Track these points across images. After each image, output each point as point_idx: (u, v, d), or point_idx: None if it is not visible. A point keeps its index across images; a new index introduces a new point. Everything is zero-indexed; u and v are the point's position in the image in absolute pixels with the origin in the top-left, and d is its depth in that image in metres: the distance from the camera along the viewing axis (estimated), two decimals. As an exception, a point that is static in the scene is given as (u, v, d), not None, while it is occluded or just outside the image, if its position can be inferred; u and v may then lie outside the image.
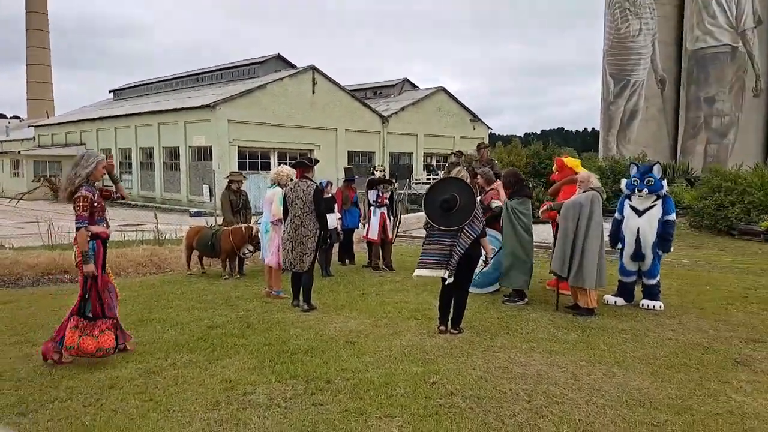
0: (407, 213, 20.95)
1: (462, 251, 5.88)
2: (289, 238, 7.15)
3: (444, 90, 42.65)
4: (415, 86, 45.40)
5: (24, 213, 23.86)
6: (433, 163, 41.97)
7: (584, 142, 78.87)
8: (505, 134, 74.08)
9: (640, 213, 7.44)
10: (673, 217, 7.42)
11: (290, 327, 6.29)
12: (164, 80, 43.76)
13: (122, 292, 8.27)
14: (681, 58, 32.74)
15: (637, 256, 7.44)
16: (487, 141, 43.62)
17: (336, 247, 10.71)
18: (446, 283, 6.01)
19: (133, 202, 34.34)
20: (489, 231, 7.35)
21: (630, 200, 7.59)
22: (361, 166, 34.41)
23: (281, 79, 32.41)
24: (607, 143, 35.40)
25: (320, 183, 10.17)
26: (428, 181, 36.38)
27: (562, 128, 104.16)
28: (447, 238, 5.96)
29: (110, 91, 48.97)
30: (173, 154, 33.00)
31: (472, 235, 5.91)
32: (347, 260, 10.97)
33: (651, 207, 7.40)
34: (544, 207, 7.75)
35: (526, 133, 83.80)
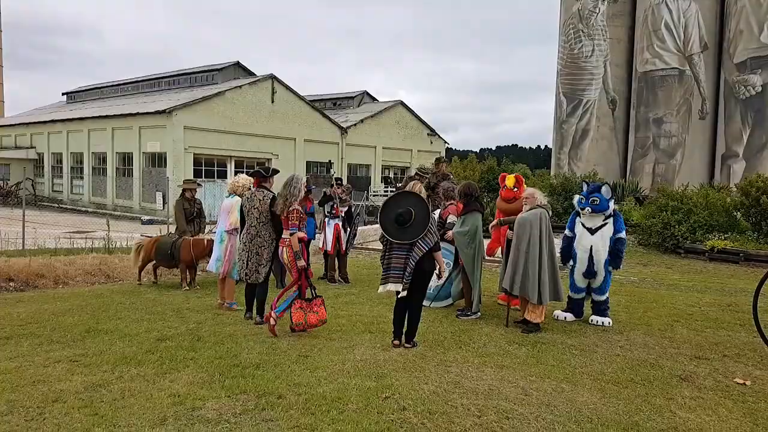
0: (364, 225, 21.01)
1: (413, 264, 5.95)
2: (244, 248, 7.09)
3: (402, 104, 43.10)
4: (374, 99, 45.73)
5: (-35, 217, 22.79)
6: (391, 175, 42.19)
7: (537, 158, 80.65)
8: (461, 149, 75.24)
9: (592, 231, 7.57)
10: (623, 234, 7.58)
11: (242, 340, 6.22)
12: (120, 84, 42.78)
13: (70, 300, 8.11)
14: (632, 80, 33.80)
15: (589, 273, 7.56)
16: (444, 155, 44.25)
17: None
18: (399, 296, 6.06)
19: (83, 208, 33.33)
20: (443, 245, 7.52)
21: (580, 217, 7.73)
22: (319, 177, 34.32)
23: (240, 86, 32.13)
24: (559, 161, 36.17)
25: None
26: (386, 193, 36.56)
27: (516, 145, 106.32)
28: (403, 251, 6.02)
29: (63, 94, 47.54)
30: (127, 159, 32.22)
31: (424, 248, 5.98)
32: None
33: (603, 225, 7.54)
34: (494, 222, 7.91)
35: (481, 148, 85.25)
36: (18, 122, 41.48)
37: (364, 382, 4.99)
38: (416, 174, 11.56)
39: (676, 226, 16.40)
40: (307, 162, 35.66)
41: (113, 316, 7.13)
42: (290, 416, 4.23)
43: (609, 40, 34.50)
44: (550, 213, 7.48)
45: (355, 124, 39.11)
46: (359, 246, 15.72)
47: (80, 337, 6.08)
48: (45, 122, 37.90)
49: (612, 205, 7.62)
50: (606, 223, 7.55)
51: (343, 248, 10.38)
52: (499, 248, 8.50)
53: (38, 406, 4.20)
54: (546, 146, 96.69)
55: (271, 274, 9.20)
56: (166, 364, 5.29)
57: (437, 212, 9.21)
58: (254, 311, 7.13)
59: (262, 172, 7.23)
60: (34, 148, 38.74)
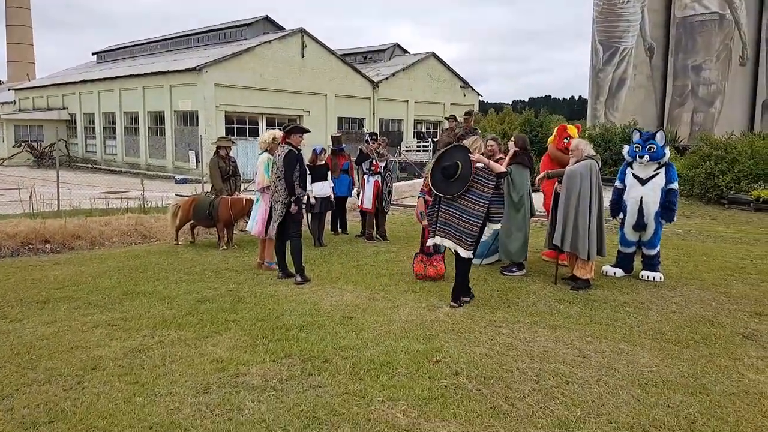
0: (398, 181, 20.64)
1: (475, 223, 5.78)
2: (270, 207, 7.13)
3: (435, 55, 41.84)
4: (405, 51, 44.51)
5: (4, 179, 23.18)
6: (423, 129, 41.39)
7: (571, 109, 78.19)
8: (492, 102, 73.03)
9: (643, 181, 7.23)
10: (675, 185, 7.24)
11: (284, 301, 6.02)
12: (149, 42, 42.52)
13: (107, 262, 8.03)
14: (669, 26, 32.26)
15: (639, 225, 7.25)
16: (477, 108, 43.13)
17: (328, 216, 10.40)
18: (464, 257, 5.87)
19: (117, 169, 33.71)
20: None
21: (632, 168, 7.36)
22: (351, 133, 33.84)
23: (270, 42, 31.52)
24: (596, 111, 35.17)
25: (314, 149, 9.82)
26: (419, 149, 35.94)
27: (549, 96, 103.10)
28: (453, 208, 5.84)
29: (93, 54, 47.56)
30: (158, 118, 32.23)
31: (483, 203, 5.80)
32: (339, 230, 10.68)
33: (654, 175, 7.20)
34: (540, 175, 7.44)
35: (513, 100, 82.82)
36: (49, 83, 41.75)
37: (412, 345, 4.74)
38: (446, 120, 11.02)
39: (720, 176, 15.76)
40: (338, 118, 35.15)
41: (151, 278, 7.00)
42: (338, 382, 4.00)
43: (646, -16, 32.94)
44: (599, 164, 7.02)
45: (386, 78, 38.22)
46: (394, 203, 15.42)
47: (118, 300, 5.96)
48: (76, 83, 38.02)
49: (668, 152, 7.20)
50: (658, 173, 7.19)
51: (384, 206, 10.03)
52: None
53: (77, 375, 4.06)
54: (580, 96, 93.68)
55: (308, 232, 9.04)
56: (207, 327, 5.12)
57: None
58: (294, 271, 6.93)
59: (287, 127, 7.01)
60: (66, 108, 39.04)
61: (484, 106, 46.20)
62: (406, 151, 35.80)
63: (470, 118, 10.38)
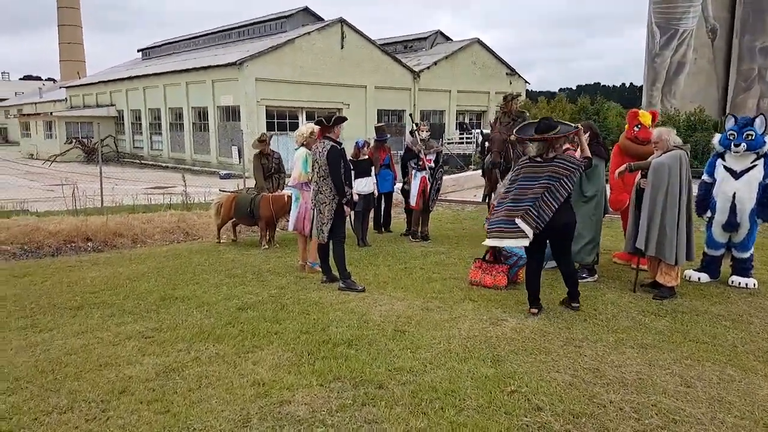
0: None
1: (548, 212, 5.18)
2: (312, 205, 6.57)
3: (479, 42, 40.63)
4: (448, 38, 43.40)
5: (56, 175, 23.52)
6: (466, 120, 40.31)
7: (621, 97, 75.33)
8: (538, 90, 70.76)
9: (737, 175, 6.36)
10: None
11: (329, 309, 5.49)
12: (192, 38, 42.85)
13: (147, 262, 7.67)
14: (734, 5, 30.37)
15: (731, 225, 6.41)
16: (524, 96, 41.75)
17: (371, 213, 9.80)
18: (529, 239, 5.24)
19: (163, 164, 34.04)
20: None
21: (723, 160, 6.50)
22: (390, 125, 33.20)
23: (309, 33, 31.16)
24: (651, 98, 33.56)
25: (356, 142, 9.24)
26: (461, 141, 35.03)
27: (599, 83, 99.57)
28: (527, 202, 5.23)
29: (139, 50, 48.31)
30: (202, 114, 32.34)
31: (559, 197, 5.19)
32: (383, 228, 10.09)
33: (751, 167, 6.30)
34: (621, 168, 6.59)
35: (560, 88, 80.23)
36: (98, 80, 42.56)
37: (479, 368, 4.13)
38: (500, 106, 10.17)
39: None
40: (378, 110, 34.56)
41: (190, 281, 6.59)
42: (397, 416, 3.43)
43: (709, -40, 31.08)
44: (689, 155, 6.21)
45: (428, 67, 37.33)
46: (439, 199, 14.78)
47: (154, 307, 5.54)
48: (122, 79, 38.60)
49: None
50: (755, 165, 6.31)
51: (429, 205, 9.35)
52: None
53: (102, 400, 3.60)
54: (631, 84, 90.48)
55: (352, 231, 8.50)
56: (248, 341, 4.63)
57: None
58: (338, 276, 6.40)
59: (323, 120, 6.37)
60: (114, 105, 39.71)
61: (530, 95, 44.66)
62: (449, 143, 34.95)
63: (511, 103, 9.23)
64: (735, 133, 6.32)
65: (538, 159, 5.30)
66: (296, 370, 4.08)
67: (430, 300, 5.86)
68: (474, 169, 23.23)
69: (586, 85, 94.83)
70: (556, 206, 5.18)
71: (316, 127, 6.57)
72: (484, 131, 13.56)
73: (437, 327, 5.03)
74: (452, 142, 35.04)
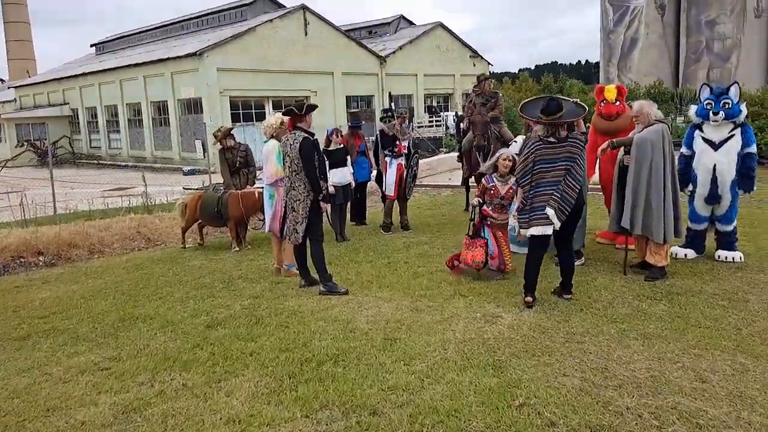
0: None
1: (572, 195, 4.92)
2: (284, 202, 5.99)
3: (442, 25, 40.13)
4: (411, 23, 42.79)
5: (8, 182, 22.32)
6: (434, 104, 39.96)
7: (579, 74, 76.15)
8: (498, 71, 70.44)
9: (716, 146, 6.20)
10: (754, 148, 6.28)
11: (310, 319, 4.98)
12: (148, 30, 41.21)
13: (104, 276, 7.00)
14: (681, -19, 30.99)
15: (713, 197, 6.27)
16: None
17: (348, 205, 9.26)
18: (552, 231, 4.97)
19: (123, 163, 32.80)
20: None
21: (701, 131, 6.33)
22: (362, 111, 32.52)
23: (271, 20, 30.14)
24: (608, 73, 34.15)
25: (327, 131, 8.67)
26: (431, 125, 34.59)
27: (556, 62, 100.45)
28: (551, 186, 4.96)
29: (92, 45, 46.36)
30: (162, 108, 31.13)
31: (579, 178, 4.96)
32: (358, 219, 9.57)
33: (729, 138, 6.18)
34: (604, 145, 6.27)
35: (519, 69, 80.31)
36: (49, 78, 40.71)
37: (480, 379, 3.70)
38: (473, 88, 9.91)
39: (759, 134, 14.39)
40: (346, 97, 33.82)
41: (153, 296, 5.98)
42: (398, 451, 2.96)
43: (655, -61, 31.47)
44: (670, 128, 5.92)
45: (393, 52, 36.67)
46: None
47: (112, 330, 4.95)
48: (76, 76, 36.89)
49: (744, 109, 6.20)
50: (733, 135, 6.19)
51: (406, 192, 8.90)
52: (594, 176, 7.05)
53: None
54: (587, 61, 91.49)
55: (330, 225, 7.96)
56: (219, 366, 4.10)
57: (518, 141, 7.67)
58: (318, 278, 5.88)
59: (294, 110, 5.77)
60: (68, 104, 38.00)
61: (493, 76, 44.38)
62: (419, 126, 34.46)
63: (484, 83, 9.30)
64: (712, 102, 6.16)
65: (551, 140, 4.93)
66: (276, 399, 3.57)
67: (418, 299, 5.41)
68: (445, 152, 22.89)
69: (544, 64, 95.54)
70: (579, 188, 4.94)
71: (286, 118, 6.01)
72: (459, 113, 13.18)
73: (430, 331, 4.58)
74: (422, 126, 34.55)
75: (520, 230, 5.16)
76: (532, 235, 5.03)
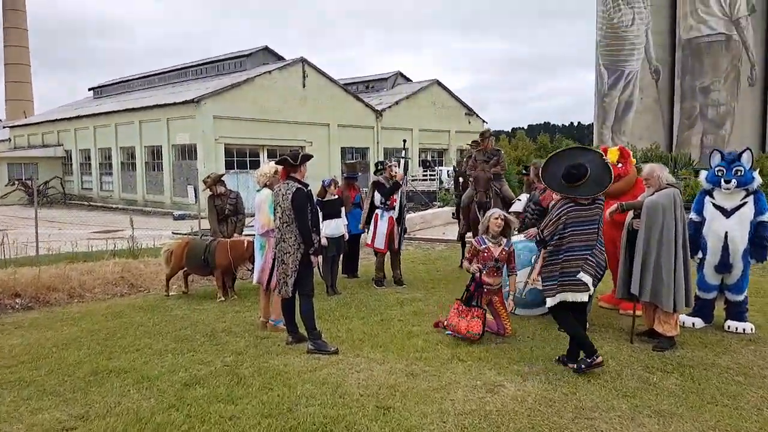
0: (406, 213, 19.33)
1: (602, 255, 4.91)
2: (274, 255, 5.74)
3: (438, 83, 40.99)
4: (408, 79, 43.69)
5: (-7, 220, 21.94)
6: (429, 158, 40.28)
7: (571, 135, 77.87)
8: (492, 129, 71.93)
9: (728, 213, 6.01)
10: (767, 217, 5.99)
11: (297, 381, 4.62)
12: (146, 76, 41.75)
13: (81, 323, 6.58)
14: (675, 48, 32.09)
15: (724, 266, 6.04)
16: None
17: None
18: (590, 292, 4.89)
19: (114, 206, 32.49)
20: (525, 241, 6.47)
21: (712, 197, 6.15)
22: (357, 163, 32.62)
23: (270, 72, 30.59)
24: (602, 135, 34.81)
25: (323, 181, 8.47)
26: (425, 178, 34.72)
27: (548, 122, 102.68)
28: (583, 249, 4.82)
29: (90, 89, 46.78)
30: (156, 153, 31.10)
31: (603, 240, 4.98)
32: (350, 273, 9.26)
33: (741, 205, 5.98)
34: (613, 208, 6.09)
35: (513, 127, 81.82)
36: (44, 120, 40.80)
37: (485, 459, 3.34)
38: (473, 145, 9.90)
39: None
40: (341, 148, 34.03)
41: (130, 347, 5.60)
42: None
43: (650, 7, 32.94)
44: (682, 192, 5.77)
45: (390, 106, 37.21)
46: (406, 237, 14.08)
47: (83, 384, 4.56)
48: (71, 118, 37.02)
49: (757, 177, 5.99)
50: (745, 203, 5.99)
51: (396, 246, 8.64)
52: None
53: None
54: (579, 123, 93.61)
55: (320, 277, 7.66)
56: (195, 431, 3.72)
57: (522, 199, 7.52)
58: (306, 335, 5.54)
59: (288, 159, 5.56)
60: (62, 145, 37.98)
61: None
62: (413, 180, 34.57)
63: (487, 141, 9.30)
64: (724, 169, 5.99)
65: (583, 202, 4.82)
66: (257, 473, 3.21)
67: (413, 362, 5.08)
68: (440, 206, 22.78)
69: (536, 124, 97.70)
70: (604, 250, 4.87)
71: (279, 167, 5.80)
72: (456, 168, 13.12)
73: (426, 400, 4.24)
74: (416, 179, 34.66)
75: (547, 297, 4.92)
76: (563, 301, 4.81)
